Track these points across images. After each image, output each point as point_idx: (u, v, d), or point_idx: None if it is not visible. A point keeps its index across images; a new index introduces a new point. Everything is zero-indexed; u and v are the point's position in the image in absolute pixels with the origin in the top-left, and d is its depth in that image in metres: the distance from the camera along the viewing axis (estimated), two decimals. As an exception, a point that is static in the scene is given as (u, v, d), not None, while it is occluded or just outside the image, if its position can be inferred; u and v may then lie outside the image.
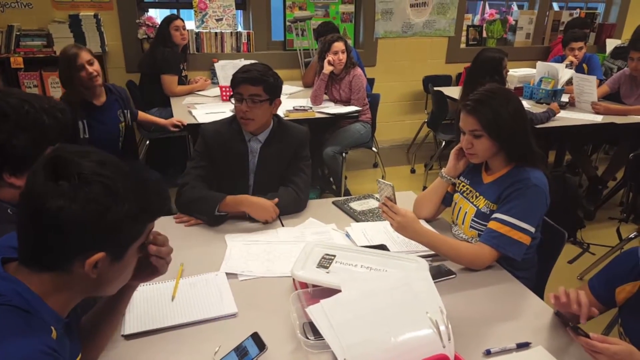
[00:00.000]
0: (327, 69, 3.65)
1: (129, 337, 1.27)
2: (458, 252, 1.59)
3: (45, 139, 1.30)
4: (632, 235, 3.05)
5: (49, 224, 0.82)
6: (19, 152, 1.24)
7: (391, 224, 1.59)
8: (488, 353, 1.23)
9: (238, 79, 1.95)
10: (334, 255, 1.47)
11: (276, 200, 1.90)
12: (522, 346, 1.26)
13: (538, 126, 3.38)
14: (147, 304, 1.39)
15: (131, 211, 0.87)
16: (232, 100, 1.98)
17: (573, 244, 3.31)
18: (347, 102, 3.78)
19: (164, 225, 1.88)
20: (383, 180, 1.58)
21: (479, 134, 1.62)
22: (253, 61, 3.89)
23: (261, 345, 1.13)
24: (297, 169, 2.05)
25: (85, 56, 2.68)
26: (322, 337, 1.10)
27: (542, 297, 1.61)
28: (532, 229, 1.59)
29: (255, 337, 1.16)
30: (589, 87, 3.80)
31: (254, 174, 2.10)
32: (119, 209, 0.85)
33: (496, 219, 1.60)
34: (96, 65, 2.73)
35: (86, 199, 0.82)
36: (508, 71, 3.68)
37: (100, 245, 0.87)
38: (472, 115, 1.62)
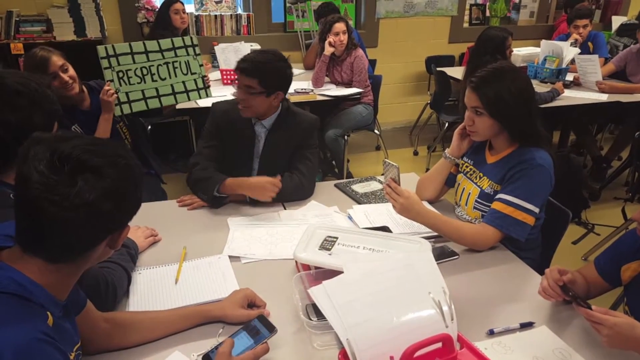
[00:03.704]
0: (328, 50, 3.61)
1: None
2: (461, 233, 1.58)
3: (55, 113, 1.30)
4: (637, 215, 3.03)
5: (70, 221, 0.82)
6: (39, 129, 1.23)
7: (394, 206, 1.58)
8: (491, 333, 1.23)
9: (236, 66, 1.92)
10: (336, 237, 1.47)
11: (278, 177, 1.85)
12: (526, 326, 1.26)
13: (542, 106, 3.34)
14: (151, 287, 1.40)
15: (139, 191, 0.92)
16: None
17: (577, 225, 3.31)
18: (348, 84, 3.74)
19: (167, 209, 1.89)
20: (389, 161, 1.57)
21: (480, 112, 1.61)
22: (255, 46, 3.80)
23: (271, 327, 1.13)
24: (303, 157, 2.02)
25: (57, 61, 2.20)
26: (324, 318, 1.10)
27: (545, 277, 1.61)
28: (537, 210, 1.58)
29: (262, 319, 1.16)
30: (592, 66, 3.75)
31: (258, 158, 2.08)
32: (135, 194, 0.90)
33: (500, 200, 1.59)
34: (71, 71, 2.26)
35: (105, 192, 0.83)
36: (512, 51, 3.63)
37: (117, 228, 0.91)
38: (475, 92, 1.60)
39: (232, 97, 2.13)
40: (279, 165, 2.02)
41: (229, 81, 3.72)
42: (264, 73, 1.88)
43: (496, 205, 1.60)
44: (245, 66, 1.88)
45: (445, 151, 1.86)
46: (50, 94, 1.29)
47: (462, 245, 1.60)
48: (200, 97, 2.67)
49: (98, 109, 2.39)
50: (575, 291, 1.25)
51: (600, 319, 1.10)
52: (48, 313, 0.85)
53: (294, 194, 1.94)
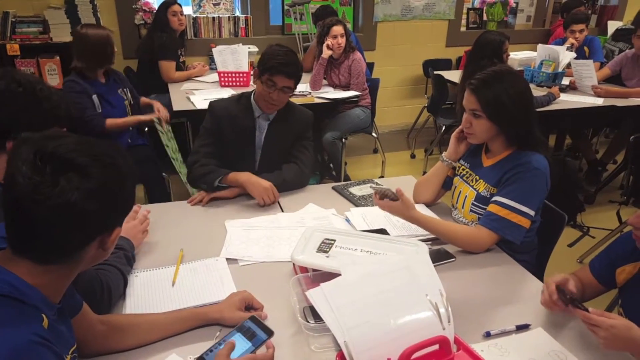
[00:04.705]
0: (326, 53, 3.62)
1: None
2: (457, 235, 1.59)
3: (55, 117, 1.29)
4: (632, 218, 3.05)
5: (53, 221, 0.81)
6: (30, 127, 1.19)
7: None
8: (488, 335, 1.24)
9: (276, 68, 1.95)
10: (334, 240, 1.47)
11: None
12: (522, 328, 1.26)
13: (538, 109, 3.36)
14: (148, 289, 1.40)
15: (131, 186, 0.91)
16: (263, 84, 1.99)
17: (573, 228, 3.32)
18: (346, 87, 3.75)
19: (164, 211, 1.89)
20: (373, 186, 1.62)
21: (478, 115, 1.62)
22: (253, 48, 3.85)
23: (267, 330, 1.12)
24: (302, 146, 2.14)
25: (113, 36, 2.87)
26: (322, 320, 1.10)
27: (541, 279, 1.61)
28: (532, 213, 1.59)
29: (256, 320, 1.16)
30: (587, 71, 3.77)
31: (260, 149, 2.16)
32: (123, 194, 0.89)
33: (496, 202, 1.60)
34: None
35: (90, 192, 0.81)
36: (509, 55, 3.65)
37: (111, 226, 0.90)
38: (474, 94, 1.61)
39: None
40: (279, 155, 2.12)
41: (226, 83, 3.73)
42: (299, 74, 2.04)
43: (492, 208, 1.60)
44: (291, 70, 1.97)
45: (443, 154, 1.87)
46: (55, 99, 1.29)
47: (458, 247, 1.61)
48: None
49: (111, 85, 2.93)
50: (572, 293, 1.25)
51: (596, 321, 1.11)
52: (43, 315, 0.84)
53: (295, 181, 2.04)
